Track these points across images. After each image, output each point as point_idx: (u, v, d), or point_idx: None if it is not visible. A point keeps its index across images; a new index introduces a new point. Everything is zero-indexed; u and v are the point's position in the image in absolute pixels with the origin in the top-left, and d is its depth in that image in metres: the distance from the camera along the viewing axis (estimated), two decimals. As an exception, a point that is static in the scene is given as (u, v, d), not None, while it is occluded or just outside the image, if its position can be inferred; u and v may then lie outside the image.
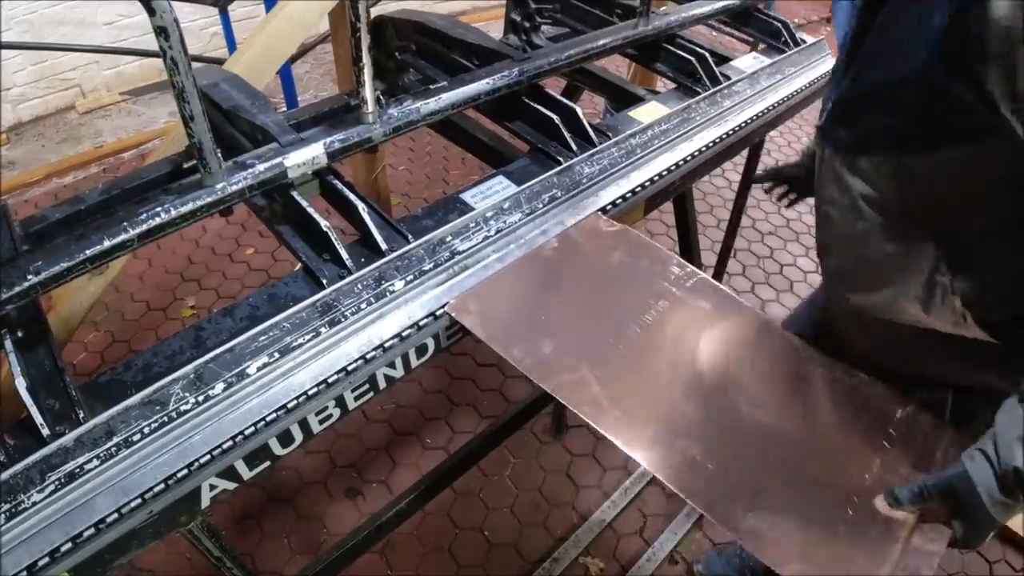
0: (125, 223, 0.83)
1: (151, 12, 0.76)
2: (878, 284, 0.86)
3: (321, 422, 0.84)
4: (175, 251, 2.55)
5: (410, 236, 0.93)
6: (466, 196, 1.04)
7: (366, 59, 1.04)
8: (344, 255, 0.87)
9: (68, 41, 2.78)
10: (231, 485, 0.79)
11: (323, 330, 0.81)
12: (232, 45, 3.11)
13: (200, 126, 0.85)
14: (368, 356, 0.83)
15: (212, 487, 0.77)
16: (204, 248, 2.58)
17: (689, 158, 1.27)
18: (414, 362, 0.92)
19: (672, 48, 1.48)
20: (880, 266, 0.85)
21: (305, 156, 0.91)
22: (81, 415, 0.73)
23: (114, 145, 3.02)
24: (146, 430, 0.72)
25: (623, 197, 1.14)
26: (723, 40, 3.44)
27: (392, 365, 0.88)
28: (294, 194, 0.92)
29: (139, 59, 3.22)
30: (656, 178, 1.21)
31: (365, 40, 1.03)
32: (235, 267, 2.52)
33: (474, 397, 2.11)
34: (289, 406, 0.77)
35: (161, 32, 0.76)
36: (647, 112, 1.33)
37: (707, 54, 1.47)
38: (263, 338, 0.79)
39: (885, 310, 0.87)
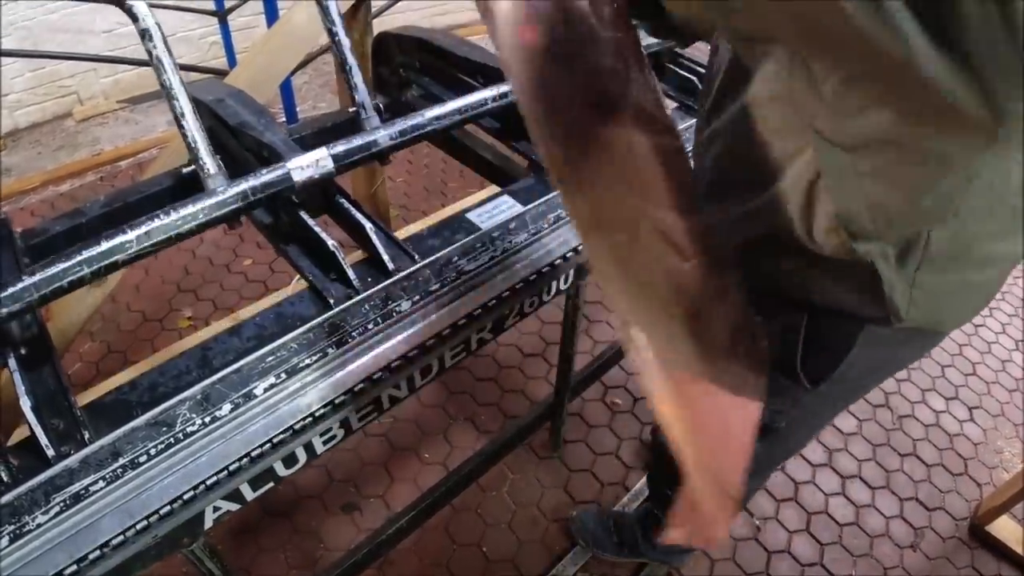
0: (126, 234, 0.82)
1: (134, 19, 0.78)
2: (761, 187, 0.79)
3: (325, 443, 0.84)
4: (171, 261, 2.53)
5: (416, 256, 0.93)
6: (472, 216, 1.04)
7: (352, 61, 1.05)
8: (351, 275, 0.87)
9: (66, 48, 2.77)
10: (234, 506, 0.79)
11: (330, 351, 0.81)
12: (231, 55, 3.12)
13: (192, 124, 0.86)
14: (375, 377, 0.82)
15: (216, 509, 0.77)
16: (201, 259, 2.57)
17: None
18: (418, 382, 0.92)
19: (674, 67, 1.49)
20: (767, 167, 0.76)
21: (309, 159, 0.90)
22: (86, 436, 0.72)
23: (111, 153, 3.01)
24: (152, 451, 0.71)
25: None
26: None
27: (397, 387, 0.88)
28: (301, 213, 0.92)
29: (137, 67, 3.21)
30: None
31: (346, 43, 1.05)
32: (232, 278, 2.51)
33: (472, 411, 2.11)
34: (296, 427, 0.77)
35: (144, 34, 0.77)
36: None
37: (709, 74, 1.48)
38: (270, 358, 0.79)
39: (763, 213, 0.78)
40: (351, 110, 1.07)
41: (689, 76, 1.46)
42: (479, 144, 1.38)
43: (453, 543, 1.78)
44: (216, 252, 2.60)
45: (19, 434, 0.82)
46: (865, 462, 2.09)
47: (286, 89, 2.92)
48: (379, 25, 1.68)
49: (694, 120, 1.38)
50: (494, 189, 2.72)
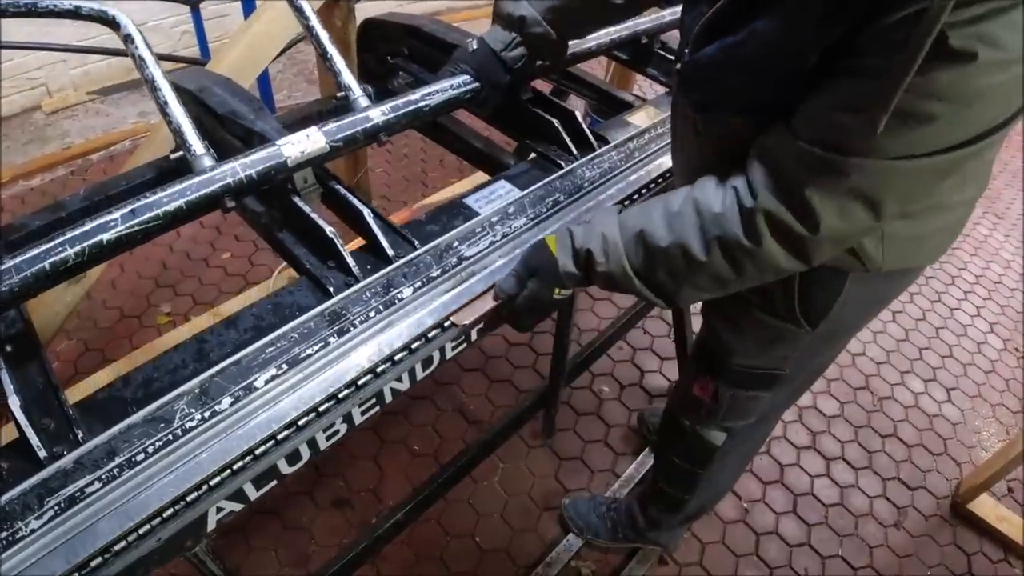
0: (111, 214, 0.79)
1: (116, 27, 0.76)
2: None
3: (328, 438, 0.82)
4: (148, 257, 2.47)
5: (416, 242, 0.91)
6: (469, 201, 1.02)
7: (331, 49, 1.04)
8: (350, 262, 0.85)
9: (34, 39, 2.68)
10: (237, 506, 0.76)
11: (332, 340, 0.78)
12: (204, 44, 3.04)
13: (175, 109, 0.84)
14: (379, 370, 0.80)
15: (219, 509, 0.74)
16: (178, 253, 2.51)
17: (684, 162, 1.27)
18: (420, 374, 0.90)
19: (663, 53, 1.48)
20: None
21: (299, 137, 0.87)
22: (80, 435, 0.69)
23: (82, 146, 2.92)
24: (150, 449, 0.69)
25: (622, 202, 1.13)
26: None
27: (400, 379, 0.86)
28: (296, 200, 0.89)
29: (107, 58, 3.12)
30: (653, 184, 1.20)
31: (324, 34, 1.04)
32: (211, 272, 2.46)
33: (460, 402, 2.09)
34: (299, 421, 0.74)
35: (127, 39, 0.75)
36: (642, 116, 1.33)
37: (697, 58, 1.47)
38: (270, 349, 0.76)
39: None
40: (339, 95, 1.05)
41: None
42: (467, 132, 1.36)
43: (446, 534, 1.76)
44: (194, 246, 2.54)
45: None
46: (848, 444, 2.12)
47: (263, 78, 2.86)
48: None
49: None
50: (475, 179, 2.69)
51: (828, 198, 0.66)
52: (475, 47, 1.10)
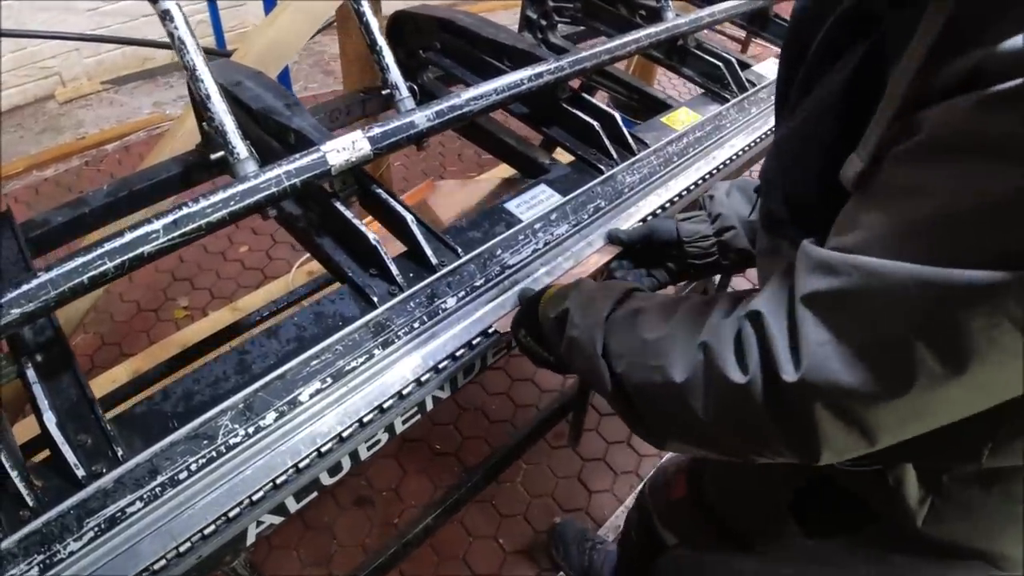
0: (152, 224, 0.76)
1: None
2: None
3: (369, 448, 0.79)
4: (165, 249, 2.44)
5: (459, 249, 0.88)
6: (510, 206, 0.99)
7: (381, 41, 1.00)
8: (394, 271, 0.82)
9: (49, 27, 2.65)
10: (277, 519, 0.74)
11: (376, 352, 0.76)
12: (219, 33, 3.01)
13: (219, 106, 0.80)
14: (423, 379, 0.78)
15: (259, 523, 0.72)
16: (195, 246, 2.48)
17: (722, 166, 1.23)
18: (460, 382, 0.87)
19: (700, 53, 1.44)
20: None
21: (344, 143, 0.82)
22: (120, 452, 0.66)
23: (96, 136, 2.89)
24: (193, 467, 0.66)
25: (663, 207, 1.10)
26: (718, 40, 3.42)
27: (442, 387, 0.83)
28: (336, 204, 0.86)
29: (121, 47, 3.09)
30: (692, 187, 1.17)
31: (374, 23, 1.00)
32: (229, 266, 2.43)
33: (481, 401, 2.07)
34: (344, 435, 0.72)
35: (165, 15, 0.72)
36: (679, 119, 1.29)
37: (733, 59, 1.43)
38: (315, 362, 0.73)
39: None
40: (384, 91, 1.01)
41: (715, 62, 1.41)
42: (502, 130, 1.32)
43: (469, 536, 1.74)
44: (211, 239, 2.51)
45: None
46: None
47: (282, 70, 2.82)
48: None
49: (720, 107, 1.34)
50: (498, 173, 2.64)
51: (822, 313, 0.46)
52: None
